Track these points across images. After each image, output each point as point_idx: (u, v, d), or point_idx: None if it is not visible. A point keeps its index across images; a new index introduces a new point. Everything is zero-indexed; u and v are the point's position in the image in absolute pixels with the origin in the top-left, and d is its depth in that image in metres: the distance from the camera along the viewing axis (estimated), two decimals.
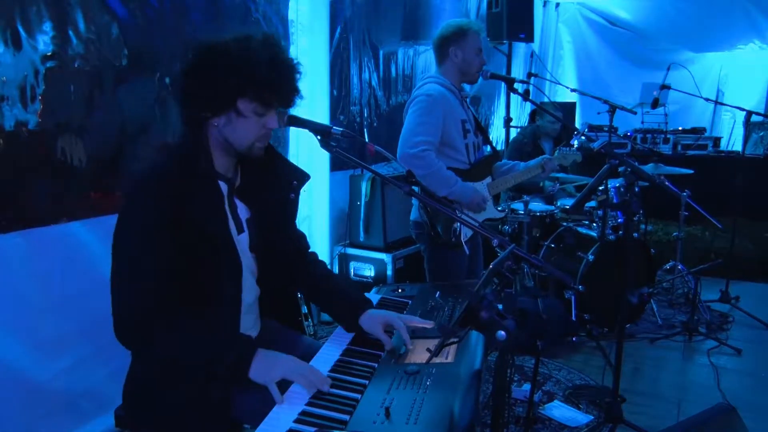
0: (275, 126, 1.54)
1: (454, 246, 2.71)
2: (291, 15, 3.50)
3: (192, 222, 1.44)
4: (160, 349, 1.44)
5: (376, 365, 1.47)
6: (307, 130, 1.61)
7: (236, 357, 1.39)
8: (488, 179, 2.84)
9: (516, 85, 2.94)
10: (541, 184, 4.42)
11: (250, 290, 1.66)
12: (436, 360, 1.41)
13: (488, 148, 3.02)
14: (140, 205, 1.44)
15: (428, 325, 1.63)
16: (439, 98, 2.64)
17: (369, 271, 4.02)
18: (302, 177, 1.74)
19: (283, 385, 1.37)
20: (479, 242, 2.97)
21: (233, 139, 1.52)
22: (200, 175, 1.50)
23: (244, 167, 1.64)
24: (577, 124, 6.75)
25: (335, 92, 4.01)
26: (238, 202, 1.63)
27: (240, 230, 1.61)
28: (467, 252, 2.75)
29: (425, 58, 5.07)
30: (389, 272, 3.92)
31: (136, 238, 1.42)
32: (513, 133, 5.46)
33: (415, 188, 1.65)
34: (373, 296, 1.97)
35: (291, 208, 1.74)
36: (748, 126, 4.40)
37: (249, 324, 1.67)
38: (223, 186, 1.58)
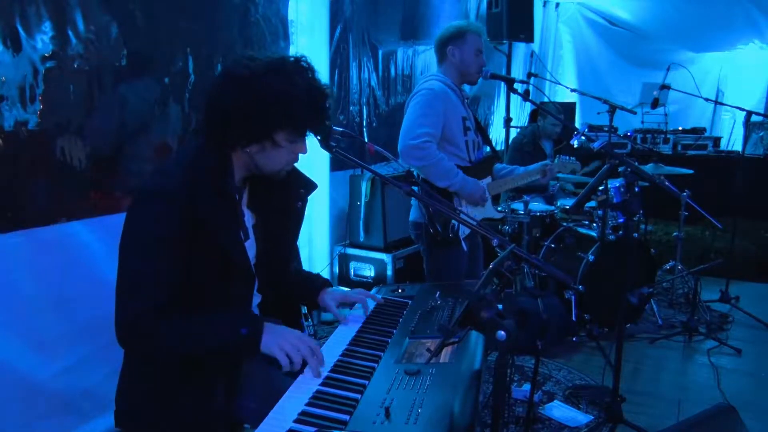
0: (306, 152, 1.56)
1: (453, 243, 2.71)
2: (291, 15, 3.50)
3: (208, 235, 1.45)
4: (167, 345, 1.42)
5: (376, 365, 1.46)
6: None
7: (247, 332, 1.41)
8: (488, 179, 2.85)
9: (516, 85, 2.95)
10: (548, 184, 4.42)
11: (253, 297, 1.68)
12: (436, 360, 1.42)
13: (488, 148, 3.02)
14: (153, 213, 1.42)
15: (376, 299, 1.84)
16: (441, 93, 2.66)
17: (369, 271, 4.02)
18: (310, 186, 1.75)
19: (283, 384, 1.37)
20: (479, 242, 2.98)
21: (263, 164, 1.53)
22: (221, 192, 1.49)
23: (252, 177, 1.63)
24: (577, 124, 6.74)
25: (335, 92, 4.01)
26: (245, 210, 1.63)
27: (246, 237, 1.61)
28: (465, 249, 2.74)
29: (424, 58, 5.07)
30: (389, 272, 3.92)
31: (145, 246, 1.42)
32: (513, 133, 5.46)
33: (415, 188, 1.65)
34: None
35: (296, 216, 1.75)
36: (748, 126, 4.39)
37: None
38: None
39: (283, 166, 1.55)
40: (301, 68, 1.49)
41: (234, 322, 1.45)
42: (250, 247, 1.63)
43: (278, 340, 1.41)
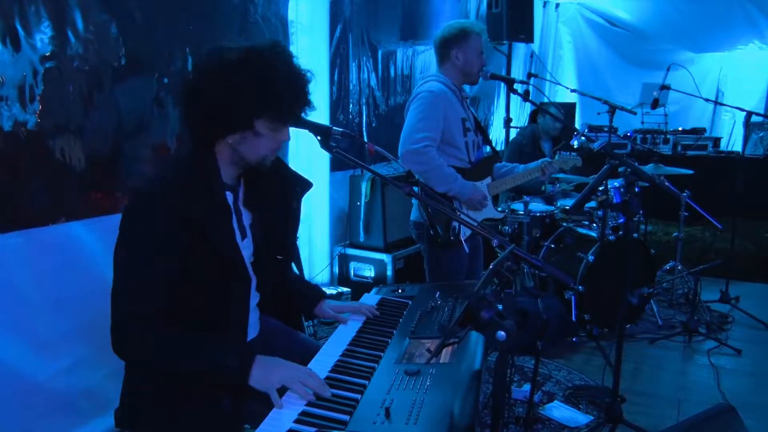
0: (288, 139, 1.55)
1: (454, 244, 2.71)
2: (291, 15, 3.50)
3: (201, 237, 1.44)
4: (158, 359, 1.43)
5: (376, 365, 1.46)
6: (306, 131, 1.61)
7: (236, 365, 1.39)
8: (488, 179, 2.85)
9: (516, 86, 2.94)
10: (543, 188, 4.42)
11: (252, 297, 1.68)
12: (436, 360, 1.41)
13: (488, 148, 3.02)
14: (146, 217, 1.42)
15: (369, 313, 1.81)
16: (441, 95, 2.66)
17: (369, 272, 4.01)
18: (305, 185, 1.74)
19: (283, 388, 1.36)
20: (479, 242, 2.97)
21: (247, 154, 1.51)
22: (209, 191, 1.49)
23: (247, 175, 1.63)
24: (577, 125, 6.74)
25: (335, 92, 4.01)
26: (242, 209, 1.63)
27: (243, 236, 1.61)
28: (467, 251, 2.74)
29: (424, 58, 5.07)
30: (389, 272, 3.91)
31: (140, 251, 1.41)
32: (513, 133, 5.46)
33: (415, 188, 1.65)
34: (373, 297, 1.98)
35: (293, 215, 1.75)
36: (748, 126, 4.39)
37: (249, 324, 1.67)
38: (229, 196, 1.57)
39: (267, 154, 1.53)
40: (279, 53, 1.46)
41: (224, 351, 1.42)
42: (247, 245, 1.63)
43: (270, 376, 1.36)
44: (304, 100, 1.50)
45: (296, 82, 1.47)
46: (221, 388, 1.46)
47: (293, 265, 1.94)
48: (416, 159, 2.54)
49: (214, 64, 1.43)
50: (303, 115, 1.54)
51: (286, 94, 1.44)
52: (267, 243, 1.69)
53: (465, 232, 2.74)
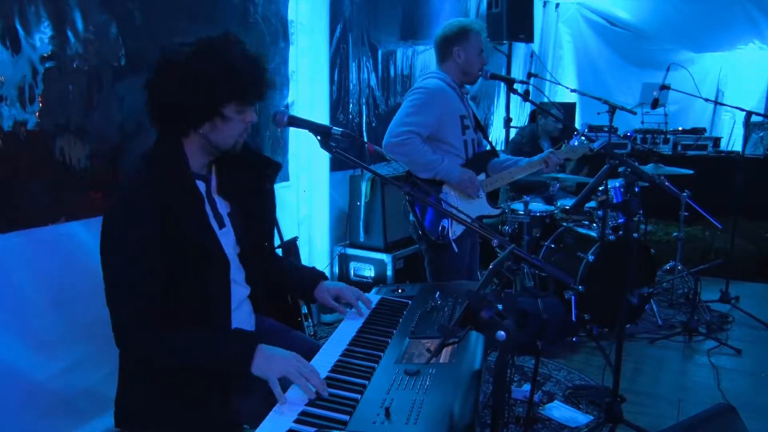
0: (255, 119, 1.59)
1: (444, 246, 2.70)
2: (291, 15, 3.50)
3: (176, 226, 1.46)
4: (160, 352, 1.44)
5: (375, 365, 1.46)
6: (306, 131, 1.62)
7: (238, 352, 1.40)
8: (482, 176, 2.83)
9: (516, 86, 2.94)
10: (548, 182, 4.41)
11: (239, 286, 1.68)
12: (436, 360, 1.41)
13: (487, 145, 3.01)
14: (125, 216, 1.45)
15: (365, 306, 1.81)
16: (438, 92, 2.65)
17: (369, 272, 4.01)
18: (275, 166, 1.77)
19: (284, 384, 1.36)
20: (477, 242, 2.97)
21: (218, 141, 1.55)
22: (178, 180, 1.51)
23: (218, 164, 1.65)
24: (577, 125, 6.75)
25: (335, 92, 4.01)
26: (217, 198, 1.65)
27: (221, 225, 1.62)
28: (456, 250, 2.72)
29: (424, 58, 5.07)
30: (389, 272, 3.91)
31: (126, 249, 1.44)
32: (513, 133, 5.46)
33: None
34: (373, 296, 1.97)
35: (269, 198, 1.77)
36: (748, 126, 4.39)
37: (242, 319, 1.68)
38: (201, 185, 1.59)
39: (237, 139, 1.57)
40: (231, 42, 1.51)
41: (226, 339, 1.45)
42: (226, 234, 1.64)
43: (271, 365, 1.37)
44: (264, 79, 1.55)
45: (254, 63, 1.53)
46: (220, 388, 1.47)
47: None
48: (397, 151, 2.54)
49: (173, 61, 1.47)
50: (266, 93, 1.58)
51: (248, 75, 1.50)
52: (249, 231, 1.70)
53: (454, 233, 2.72)
